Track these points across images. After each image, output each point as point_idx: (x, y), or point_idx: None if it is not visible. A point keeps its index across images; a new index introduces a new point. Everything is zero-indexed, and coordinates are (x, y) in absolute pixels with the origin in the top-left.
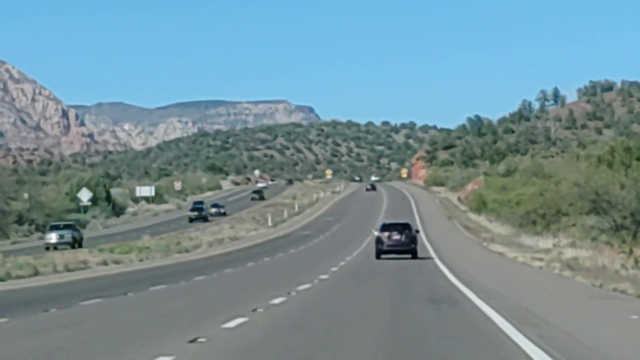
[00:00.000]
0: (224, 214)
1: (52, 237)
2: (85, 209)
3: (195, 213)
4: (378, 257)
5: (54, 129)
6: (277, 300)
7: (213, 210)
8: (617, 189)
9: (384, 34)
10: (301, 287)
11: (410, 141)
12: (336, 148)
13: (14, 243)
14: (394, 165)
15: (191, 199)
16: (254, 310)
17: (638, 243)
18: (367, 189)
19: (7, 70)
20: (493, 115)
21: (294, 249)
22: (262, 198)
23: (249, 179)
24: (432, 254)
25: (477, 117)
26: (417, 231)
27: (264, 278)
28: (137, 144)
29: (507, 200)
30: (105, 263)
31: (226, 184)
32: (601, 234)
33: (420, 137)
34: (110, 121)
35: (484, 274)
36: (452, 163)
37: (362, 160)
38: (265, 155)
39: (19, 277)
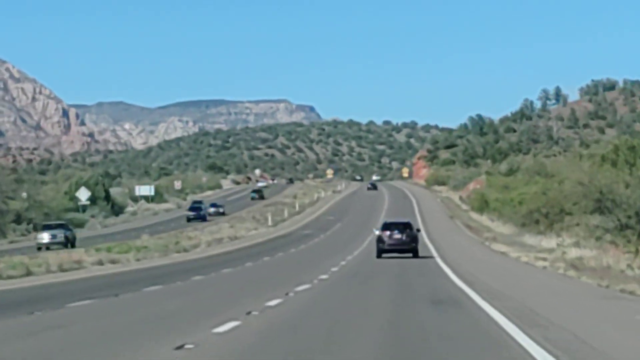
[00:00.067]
0: (223, 214)
1: (44, 237)
2: (84, 208)
3: (194, 213)
4: (379, 256)
5: (55, 129)
6: (273, 302)
7: (212, 210)
8: (622, 187)
9: (385, 34)
10: (300, 288)
11: (412, 140)
12: (337, 147)
13: (11, 242)
14: (395, 164)
15: (191, 198)
16: (249, 313)
17: None
18: (369, 188)
19: (7, 70)
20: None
21: (294, 249)
22: (261, 197)
23: (249, 178)
24: (434, 253)
25: (479, 116)
26: (419, 230)
27: (262, 278)
28: (138, 144)
29: (510, 200)
30: (100, 263)
31: (226, 183)
32: (605, 233)
33: (421, 137)
34: (111, 120)
35: (487, 274)
36: (453, 162)
37: (363, 160)
38: (266, 155)
39: (10, 277)
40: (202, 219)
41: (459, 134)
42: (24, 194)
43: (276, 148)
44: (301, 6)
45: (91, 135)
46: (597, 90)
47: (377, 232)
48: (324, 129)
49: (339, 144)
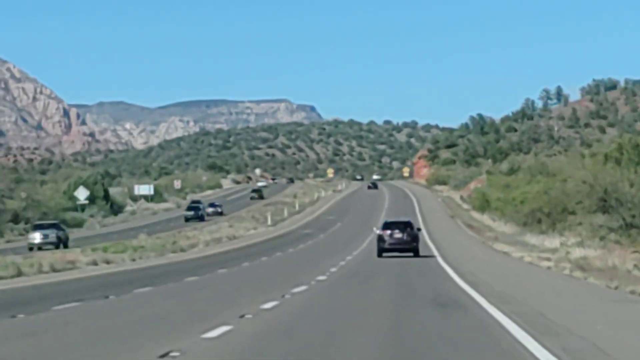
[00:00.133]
0: (221, 214)
1: (36, 237)
2: (83, 208)
3: (192, 212)
4: (380, 255)
5: (55, 128)
6: (268, 305)
7: (210, 209)
8: (627, 186)
9: (386, 33)
10: (297, 290)
11: (412, 140)
12: (338, 147)
13: (8, 242)
14: (395, 164)
15: (191, 197)
16: (242, 316)
17: None
18: (369, 187)
19: (8, 70)
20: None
21: (292, 248)
22: (261, 197)
23: (249, 178)
24: (435, 253)
25: (480, 115)
26: (419, 229)
27: (258, 279)
28: (139, 143)
29: (512, 199)
30: (95, 263)
31: (227, 183)
32: (610, 232)
33: (422, 136)
34: (112, 120)
35: (491, 275)
36: (454, 162)
37: (363, 160)
38: (267, 154)
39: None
40: (200, 218)
41: (460, 134)
42: (23, 194)
43: (277, 148)
44: (302, 6)
45: (92, 135)
46: (598, 89)
47: (378, 232)
48: (324, 129)
49: (340, 144)
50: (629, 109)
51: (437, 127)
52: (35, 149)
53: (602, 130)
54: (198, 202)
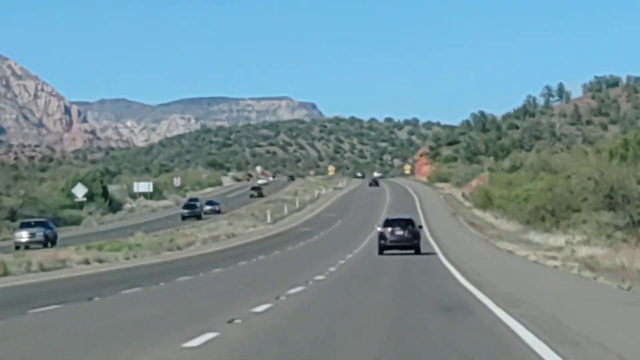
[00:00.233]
0: (219, 212)
1: (23, 236)
2: (81, 205)
3: (188, 210)
4: (381, 252)
5: (57, 126)
6: (260, 308)
7: (207, 207)
8: (634, 183)
9: (387, 30)
10: (292, 291)
11: (414, 138)
12: (339, 144)
13: (3, 240)
14: (396, 161)
15: (191, 195)
16: (231, 321)
17: None
18: (370, 184)
19: (9, 67)
20: (497, 111)
21: (291, 247)
22: (260, 195)
23: (250, 175)
24: (438, 252)
25: (481, 112)
26: (420, 227)
27: (253, 279)
28: (140, 141)
29: (515, 196)
30: (86, 262)
31: (227, 180)
32: (617, 230)
33: (423, 134)
34: (113, 118)
35: (496, 275)
36: (455, 159)
37: (365, 157)
38: (268, 152)
39: None
40: (197, 216)
41: (461, 131)
42: (21, 191)
43: (278, 145)
44: (303, 3)
45: (93, 132)
46: (600, 86)
47: (379, 229)
48: (325, 126)
49: (341, 141)
50: (630, 106)
51: (438, 124)
52: (36, 146)
53: (604, 128)
54: (195, 199)
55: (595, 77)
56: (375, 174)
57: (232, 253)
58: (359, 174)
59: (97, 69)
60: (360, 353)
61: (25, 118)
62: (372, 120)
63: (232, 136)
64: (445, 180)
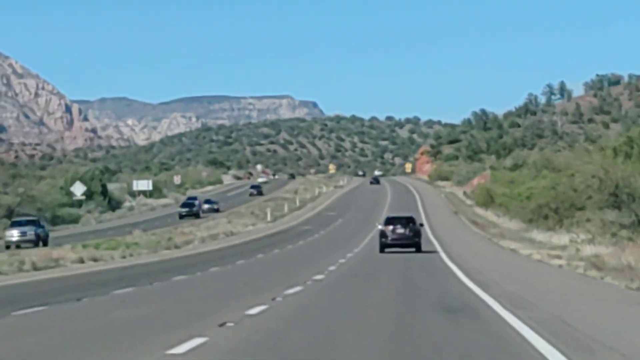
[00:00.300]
0: (217, 210)
1: (14, 235)
2: (80, 203)
3: (186, 209)
4: (382, 250)
5: (57, 124)
6: (255, 310)
7: (206, 206)
8: (639, 180)
9: (388, 29)
10: (290, 291)
11: (415, 136)
12: (340, 143)
13: (0, 238)
14: (397, 160)
15: (191, 193)
16: (222, 324)
17: None
18: (371, 182)
19: (10, 65)
20: (499, 109)
21: (291, 245)
22: (260, 193)
23: (251, 174)
24: (440, 251)
25: (483, 111)
26: (422, 225)
27: (250, 279)
28: (141, 139)
29: (518, 194)
30: (81, 261)
31: (227, 179)
32: (622, 229)
33: (424, 132)
34: (114, 116)
35: (500, 274)
36: (457, 157)
37: (366, 155)
38: (269, 150)
39: None
40: (195, 215)
41: (463, 129)
42: (21, 189)
43: (278, 144)
44: (304, 2)
45: (94, 131)
46: (601, 85)
47: (380, 227)
48: (326, 125)
49: (342, 140)
50: (632, 104)
51: (439, 123)
52: (37, 144)
53: (606, 126)
54: (193, 198)
55: (597, 75)
56: (376, 172)
57: (231, 252)
58: (360, 173)
59: (98, 68)
60: (362, 358)
61: (26, 117)
62: (373, 118)
63: (233, 134)
64: (447, 179)
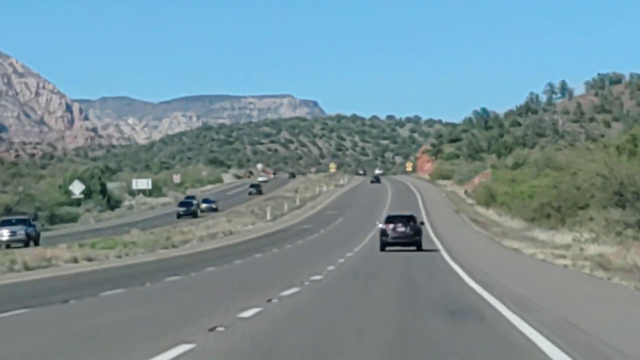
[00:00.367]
0: (216, 210)
1: (4, 234)
2: (79, 202)
3: (184, 208)
4: (382, 249)
5: (58, 123)
6: (249, 312)
7: (204, 205)
8: None
9: (389, 28)
10: (286, 292)
11: (415, 135)
12: (341, 142)
13: None
14: (398, 159)
15: (190, 192)
16: (212, 329)
17: None
18: (372, 181)
19: (10, 64)
20: (500, 108)
21: (290, 244)
22: (259, 192)
23: (251, 173)
24: (442, 250)
25: (484, 110)
26: (422, 223)
27: (246, 279)
28: (142, 139)
29: (519, 193)
30: (75, 260)
31: (228, 178)
32: (627, 228)
33: (425, 131)
34: (115, 115)
35: (504, 275)
36: (458, 156)
37: (366, 155)
38: (269, 149)
39: None
40: (193, 215)
41: (464, 128)
42: (20, 187)
43: (279, 143)
44: (305, 1)
45: (95, 130)
46: (603, 84)
47: (381, 225)
48: (327, 124)
49: (343, 139)
50: (633, 103)
51: (440, 122)
52: (38, 143)
53: (607, 125)
54: (192, 197)
55: (598, 74)
56: (377, 171)
57: (229, 251)
58: (361, 172)
59: (98, 67)
60: None
61: (27, 116)
62: (374, 117)
63: (234, 134)
64: (448, 178)
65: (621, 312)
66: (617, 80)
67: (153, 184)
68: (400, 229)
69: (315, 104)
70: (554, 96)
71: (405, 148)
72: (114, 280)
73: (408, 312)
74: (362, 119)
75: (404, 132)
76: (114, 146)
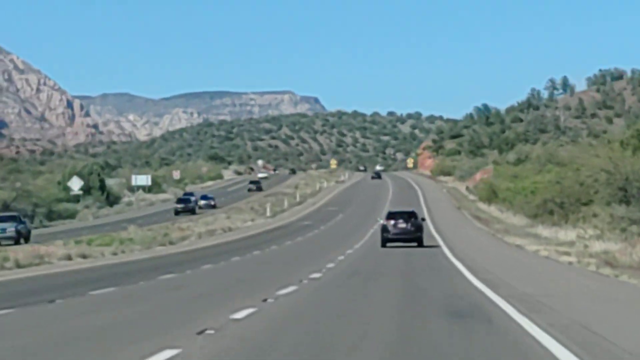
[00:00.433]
0: (214, 207)
1: None
2: (77, 198)
3: (182, 205)
4: (383, 245)
5: (59, 120)
6: (242, 313)
7: (202, 202)
8: None
9: (389, 24)
10: (283, 291)
11: (416, 131)
12: (341, 138)
13: None
14: (399, 155)
15: (190, 188)
16: (201, 332)
17: None
18: (373, 177)
19: (11, 61)
20: (501, 104)
21: (290, 241)
22: (259, 189)
23: (252, 169)
24: (442, 245)
25: (485, 106)
26: (423, 219)
27: (243, 277)
28: (142, 135)
29: (522, 189)
30: (69, 258)
31: (228, 174)
32: (632, 224)
33: (426, 128)
34: (115, 112)
35: (509, 273)
36: (459, 152)
37: (367, 151)
38: (270, 146)
39: None
40: (191, 211)
41: (465, 124)
42: (18, 183)
43: (280, 139)
44: None
45: (95, 126)
46: (604, 80)
47: (382, 221)
48: (328, 120)
49: (343, 135)
50: (635, 99)
51: (441, 118)
52: (38, 140)
53: (609, 121)
54: (190, 194)
55: (600, 70)
56: (378, 167)
57: (227, 248)
58: (361, 168)
59: (99, 63)
60: None
61: (28, 112)
62: (375, 114)
63: (234, 130)
64: (449, 174)
65: (636, 313)
66: (618, 76)
67: (153, 180)
68: (402, 225)
69: (316, 100)
70: (555, 92)
71: (406, 144)
72: (107, 279)
73: (410, 313)
74: (363, 115)
75: (405, 128)
76: (114, 142)
